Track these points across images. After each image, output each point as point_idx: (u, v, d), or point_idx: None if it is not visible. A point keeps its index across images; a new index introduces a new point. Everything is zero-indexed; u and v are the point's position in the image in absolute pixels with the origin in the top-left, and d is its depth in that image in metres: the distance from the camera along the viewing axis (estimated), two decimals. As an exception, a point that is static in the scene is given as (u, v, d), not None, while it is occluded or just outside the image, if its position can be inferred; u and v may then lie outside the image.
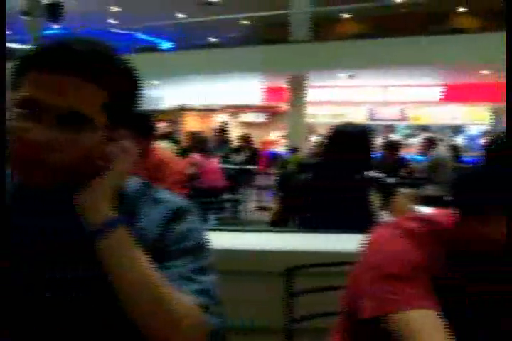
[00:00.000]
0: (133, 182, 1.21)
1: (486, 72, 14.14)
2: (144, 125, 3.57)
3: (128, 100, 1.13)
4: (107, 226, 1.05)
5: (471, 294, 1.30)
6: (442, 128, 18.37)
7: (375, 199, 2.86)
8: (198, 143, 7.90)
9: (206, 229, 1.23)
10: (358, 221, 2.50)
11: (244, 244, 2.52)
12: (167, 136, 14.38)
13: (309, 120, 16.77)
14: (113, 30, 17.78)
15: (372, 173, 2.96)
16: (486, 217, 1.23)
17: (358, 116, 18.31)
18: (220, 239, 2.32)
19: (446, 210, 1.35)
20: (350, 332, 1.45)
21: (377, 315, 1.25)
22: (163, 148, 9.01)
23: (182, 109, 21.68)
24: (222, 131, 16.20)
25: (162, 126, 21.04)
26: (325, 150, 3.15)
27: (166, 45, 19.77)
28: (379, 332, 1.25)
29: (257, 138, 18.54)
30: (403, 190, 4.84)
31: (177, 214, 1.17)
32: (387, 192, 2.92)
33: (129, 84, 1.12)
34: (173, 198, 1.21)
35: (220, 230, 2.94)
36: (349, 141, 2.90)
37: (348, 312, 1.42)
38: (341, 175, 2.88)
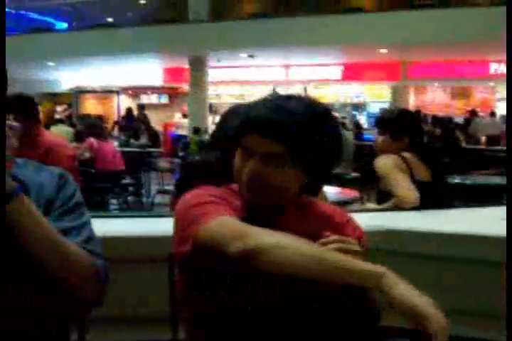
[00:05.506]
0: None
1: (383, 50, 14.39)
2: (25, 108, 3.35)
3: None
4: (13, 194, 1.24)
5: None
6: (345, 106, 18.71)
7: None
8: (91, 126, 7.61)
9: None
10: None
11: (127, 230, 2.38)
12: (65, 120, 13.98)
13: (212, 100, 16.63)
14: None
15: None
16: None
17: (261, 96, 18.29)
18: (106, 226, 2.17)
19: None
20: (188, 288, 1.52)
21: (188, 243, 1.36)
22: (57, 132, 8.76)
23: (80, 92, 21.01)
24: (128, 115, 15.97)
25: (61, 110, 20.43)
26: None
27: (61, 25, 18.99)
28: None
29: (160, 120, 18.27)
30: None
31: (63, 179, 1.43)
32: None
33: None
34: (50, 166, 1.48)
35: (105, 216, 2.79)
36: None
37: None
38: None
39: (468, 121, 15.06)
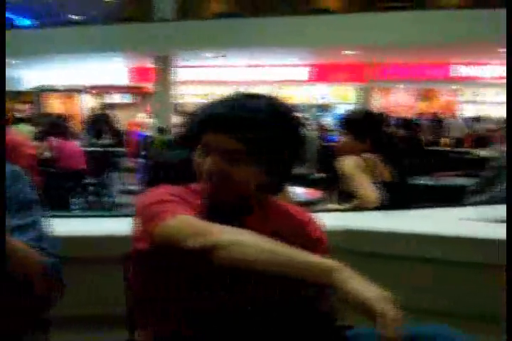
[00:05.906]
0: None
1: (350, 52, 14.46)
2: None
3: None
4: None
5: None
6: (310, 108, 18.76)
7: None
8: (53, 126, 7.49)
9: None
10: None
11: (83, 230, 2.34)
12: (27, 119, 13.75)
13: (178, 100, 16.55)
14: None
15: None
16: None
17: (226, 96, 18.27)
18: (63, 226, 2.13)
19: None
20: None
21: (146, 240, 1.36)
22: (19, 131, 8.59)
23: (43, 90, 20.69)
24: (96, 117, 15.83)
25: (22, 109, 20.09)
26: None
27: (24, 21, 18.70)
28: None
29: (126, 119, 18.10)
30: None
31: (15, 175, 1.45)
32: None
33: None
34: (5, 163, 1.47)
35: (63, 216, 2.73)
36: None
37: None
38: None
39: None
